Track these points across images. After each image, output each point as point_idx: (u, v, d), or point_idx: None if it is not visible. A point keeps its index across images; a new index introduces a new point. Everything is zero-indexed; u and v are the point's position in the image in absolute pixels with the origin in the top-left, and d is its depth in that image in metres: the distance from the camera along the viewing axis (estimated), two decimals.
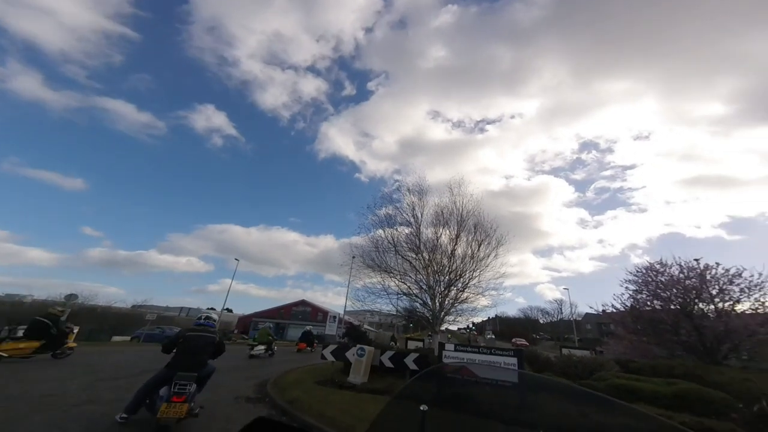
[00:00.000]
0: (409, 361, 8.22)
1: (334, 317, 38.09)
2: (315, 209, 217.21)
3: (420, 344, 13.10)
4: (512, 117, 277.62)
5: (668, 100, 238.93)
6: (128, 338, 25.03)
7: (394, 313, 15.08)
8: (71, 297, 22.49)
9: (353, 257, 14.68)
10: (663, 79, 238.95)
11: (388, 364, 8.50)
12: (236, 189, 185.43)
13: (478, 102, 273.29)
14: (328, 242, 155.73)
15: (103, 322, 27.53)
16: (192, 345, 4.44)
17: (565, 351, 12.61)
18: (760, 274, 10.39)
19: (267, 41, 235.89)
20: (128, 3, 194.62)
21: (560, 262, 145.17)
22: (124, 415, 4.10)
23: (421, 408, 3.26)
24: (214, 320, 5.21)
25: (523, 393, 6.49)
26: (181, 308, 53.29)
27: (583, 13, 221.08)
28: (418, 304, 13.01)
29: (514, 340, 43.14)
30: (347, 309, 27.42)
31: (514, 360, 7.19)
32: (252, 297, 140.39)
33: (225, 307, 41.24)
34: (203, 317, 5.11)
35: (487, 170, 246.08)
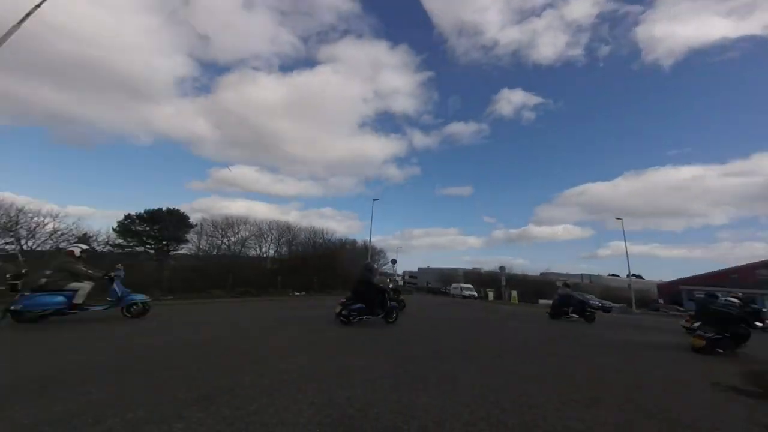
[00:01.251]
0: None
1: None
2: (702, 126, 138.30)
3: None
4: None
5: None
6: (550, 301, 29.77)
7: None
8: (502, 268, 31.89)
9: None
10: None
11: None
12: (568, 148, 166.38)
13: None
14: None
15: (528, 288, 37.77)
16: None
17: None
18: None
19: (503, 2, 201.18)
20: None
21: None
22: None
23: None
24: None
25: None
26: (582, 275, 58.35)
27: None
28: None
29: None
30: None
31: None
32: (661, 259, 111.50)
33: (631, 273, 35.70)
34: None
35: None
